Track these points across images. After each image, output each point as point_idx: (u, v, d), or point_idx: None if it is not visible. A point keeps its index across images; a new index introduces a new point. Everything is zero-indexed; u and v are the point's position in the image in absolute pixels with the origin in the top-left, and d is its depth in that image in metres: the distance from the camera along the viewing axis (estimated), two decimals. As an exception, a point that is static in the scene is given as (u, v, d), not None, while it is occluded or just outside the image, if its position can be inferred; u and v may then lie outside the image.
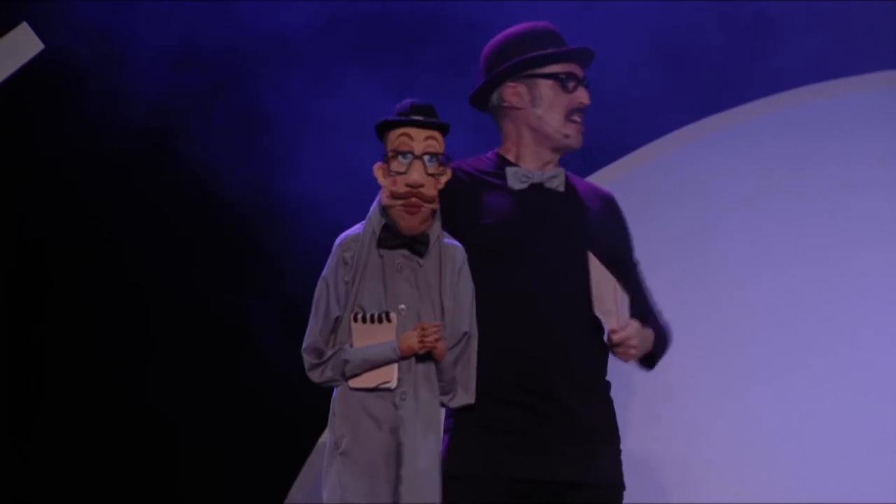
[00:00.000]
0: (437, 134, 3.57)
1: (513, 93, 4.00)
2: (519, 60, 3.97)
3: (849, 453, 4.88)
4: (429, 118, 3.57)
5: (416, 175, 3.53)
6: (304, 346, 3.59)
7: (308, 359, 3.58)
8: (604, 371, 3.93)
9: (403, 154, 3.55)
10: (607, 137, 4.80)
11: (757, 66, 5.11)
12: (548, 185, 3.95)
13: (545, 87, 3.98)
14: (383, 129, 3.60)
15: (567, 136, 3.97)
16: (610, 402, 3.94)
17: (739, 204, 5.06)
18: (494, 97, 4.01)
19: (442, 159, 3.58)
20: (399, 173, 3.54)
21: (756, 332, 4.98)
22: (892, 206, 5.04)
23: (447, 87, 4.66)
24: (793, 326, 4.98)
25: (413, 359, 3.52)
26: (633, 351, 3.84)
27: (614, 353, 3.85)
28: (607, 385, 3.94)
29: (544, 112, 3.97)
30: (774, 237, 5.04)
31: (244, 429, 4.85)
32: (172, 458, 4.83)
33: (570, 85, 3.97)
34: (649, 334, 3.92)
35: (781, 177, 5.07)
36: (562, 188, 3.97)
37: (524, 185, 3.93)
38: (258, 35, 4.91)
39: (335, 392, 3.57)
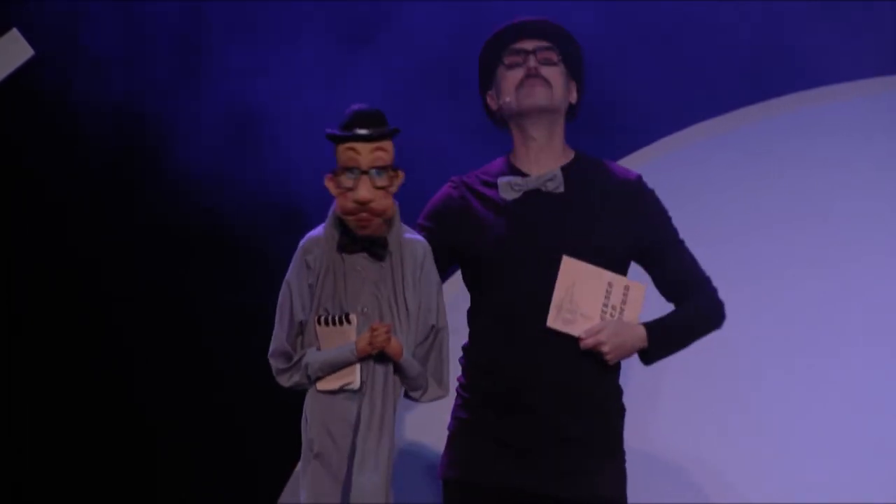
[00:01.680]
0: (385, 144, 3.53)
1: (490, 99, 4.06)
2: (479, 68, 4.04)
3: (850, 455, 4.85)
4: (374, 129, 3.52)
5: (364, 192, 3.50)
6: (270, 351, 3.60)
7: (275, 364, 3.59)
8: (604, 383, 3.91)
9: (350, 170, 3.52)
10: (601, 140, 4.77)
11: (755, 70, 5.08)
12: (544, 188, 3.94)
13: (500, 77, 4.01)
14: (331, 141, 3.57)
15: (520, 102, 3.96)
16: (611, 415, 3.92)
17: (738, 207, 5.04)
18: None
19: (393, 166, 3.56)
20: (347, 189, 3.52)
21: (755, 334, 4.94)
22: (893, 209, 5.02)
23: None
24: (793, 329, 4.95)
25: (372, 360, 3.53)
26: (607, 357, 3.83)
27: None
28: (610, 397, 3.92)
29: (504, 96, 3.99)
30: (773, 241, 5.01)
31: (233, 432, 4.87)
32: (161, 460, 4.86)
33: (517, 59, 3.97)
34: (634, 332, 3.86)
35: (779, 181, 5.04)
36: (561, 189, 3.93)
37: (517, 194, 3.93)
38: (246, 28, 4.94)
39: (307, 395, 3.58)
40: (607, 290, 3.82)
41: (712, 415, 4.91)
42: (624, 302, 3.84)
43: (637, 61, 4.97)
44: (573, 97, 4.04)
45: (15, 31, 4.67)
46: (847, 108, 5.05)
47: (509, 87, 3.98)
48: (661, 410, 4.88)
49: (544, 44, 3.99)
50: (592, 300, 3.80)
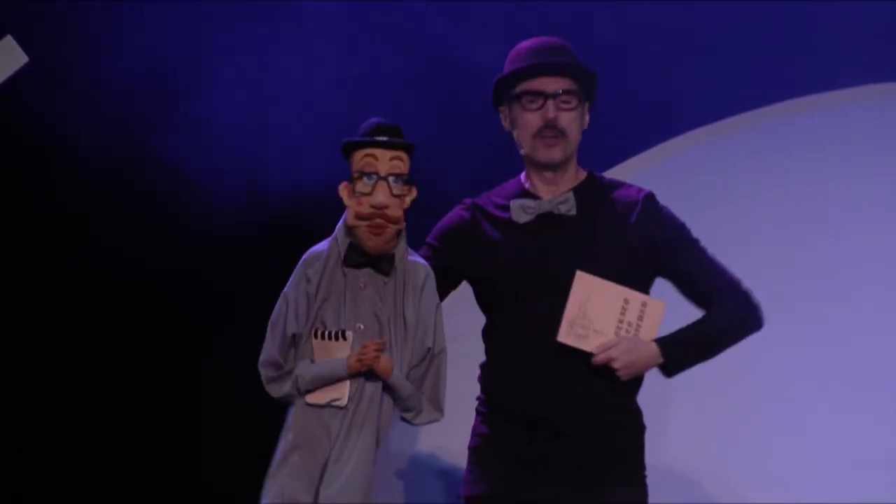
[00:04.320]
0: (402, 154, 3.54)
1: (503, 117, 4.03)
2: (495, 84, 3.99)
3: (850, 459, 4.90)
4: (394, 138, 3.54)
5: (381, 196, 3.52)
6: (260, 360, 3.59)
7: (265, 372, 3.58)
8: (622, 400, 3.92)
9: (368, 175, 3.53)
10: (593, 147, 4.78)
11: (747, 78, 5.10)
12: (557, 211, 3.93)
13: (516, 109, 3.97)
14: (349, 149, 3.57)
15: (535, 155, 3.96)
16: (629, 432, 3.93)
17: (734, 215, 5.06)
18: None
19: (408, 179, 3.58)
20: (364, 194, 3.53)
21: (761, 342, 4.96)
22: (888, 218, 5.04)
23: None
24: (796, 336, 4.97)
25: (363, 377, 3.53)
26: (618, 374, 3.82)
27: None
28: (629, 415, 3.94)
29: (518, 133, 3.99)
30: (771, 249, 5.03)
31: (225, 427, 4.91)
32: (160, 457, 4.89)
33: (535, 103, 3.93)
34: (648, 350, 3.84)
35: (773, 189, 5.08)
36: (573, 211, 3.93)
37: (530, 217, 3.93)
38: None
39: (293, 406, 3.58)
40: (623, 307, 3.82)
41: (708, 422, 4.96)
42: (641, 318, 3.83)
43: (629, 68, 4.99)
44: (586, 122, 4.03)
45: (10, 39, 4.68)
46: (840, 115, 5.07)
47: (526, 132, 3.95)
48: (672, 420, 4.92)
49: (565, 86, 3.94)
50: (607, 316, 3.81)
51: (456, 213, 4.04)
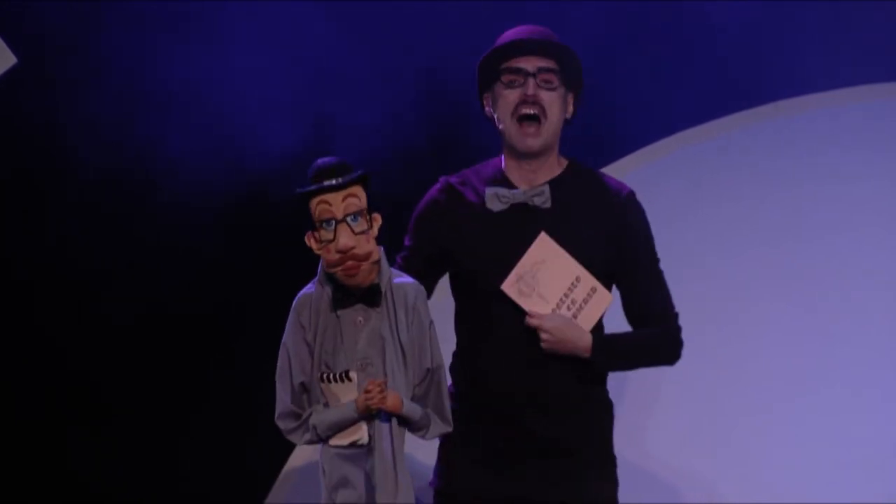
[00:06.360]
0: (354, 189, 3.55)
1: (486, 103, 4.00)
2: (478, 69, 3.96)
3: (844, 458, 4.92)
4: (341, 177, 3.54)
5: (344, 240, 3.53)
6: (276, 414, 3.63)
7: (283, 424, 3.64)
8: (588, 393, 3.92)
9: (327, 221, 3.54)
10: (587, 146, 4.77)
11: (738, 78, 5.08)
12: (531, 203, 3.91)
13: (496, 88, 3.95)
14: (303, 199, 3.58)
15: (512, 141, 3.92)
16: (598, 425, 3.93)
17: (729, 213, 5.06)
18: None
19: (369, 210, 3.59)
20: (329, 241, 3.54)
21: (746, 341, 5.00)
22: (886, 219, 5.04)
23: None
24: (783, 335, 4.99)
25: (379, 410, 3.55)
26: (542, 344, 3.81)
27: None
28: (594, 407, 3.93)
29: (501, 116, 3.95)
30: (760, 248, 5.03)
31: (223, 429, 4.88)
32: (151, 458, 4.87)
33: (516, 81, 3.91)
34: (580, 338, 3.84)
35: (762, 189, 5.06)
36: (548, 204, 3.90)
37: (504, 206, 3.91)
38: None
39: (320, 448, 3.61)
40: (573, 283, 3.83)
41: (699, 425, 4.96)
42: (586, 301, 3.84)
43: (619, 67, 4.96)
44: (570, 111, 3.99)
45: (-2, 39, 4.65)
46: (832, 116, 5.07)
47: (505, 109, 3.92)
48: (656, 419, 4.93)
49: (545, 64, 3.91)
50: (554, 285, 3.82)
51: (430, 197, 4.02)
